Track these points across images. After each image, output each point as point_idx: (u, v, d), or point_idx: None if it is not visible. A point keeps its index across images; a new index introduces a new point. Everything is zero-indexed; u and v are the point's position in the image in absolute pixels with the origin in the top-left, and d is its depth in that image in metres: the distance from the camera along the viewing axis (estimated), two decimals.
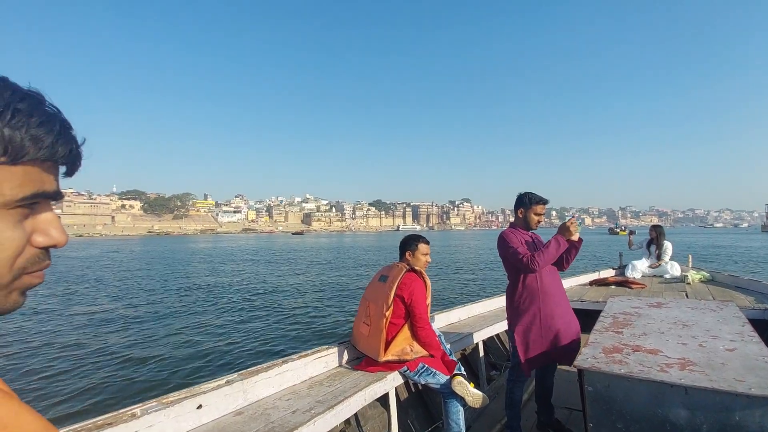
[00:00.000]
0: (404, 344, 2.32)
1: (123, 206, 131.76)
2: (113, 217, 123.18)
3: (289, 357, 2.25)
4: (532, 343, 2.32)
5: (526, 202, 2.41)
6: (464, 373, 2.33)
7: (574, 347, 2.29)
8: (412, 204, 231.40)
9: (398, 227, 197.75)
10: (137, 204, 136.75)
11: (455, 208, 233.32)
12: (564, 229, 2.31)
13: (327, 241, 56.35)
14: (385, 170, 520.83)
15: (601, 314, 2.31)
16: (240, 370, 2.07)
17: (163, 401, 1.65)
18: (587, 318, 2.50)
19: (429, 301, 2.41)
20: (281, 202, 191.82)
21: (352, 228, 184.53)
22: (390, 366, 2.31)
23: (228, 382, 1.87)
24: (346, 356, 2.54)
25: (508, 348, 3.82)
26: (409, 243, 2.48)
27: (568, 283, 5.36)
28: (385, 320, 2.27)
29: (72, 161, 0.36)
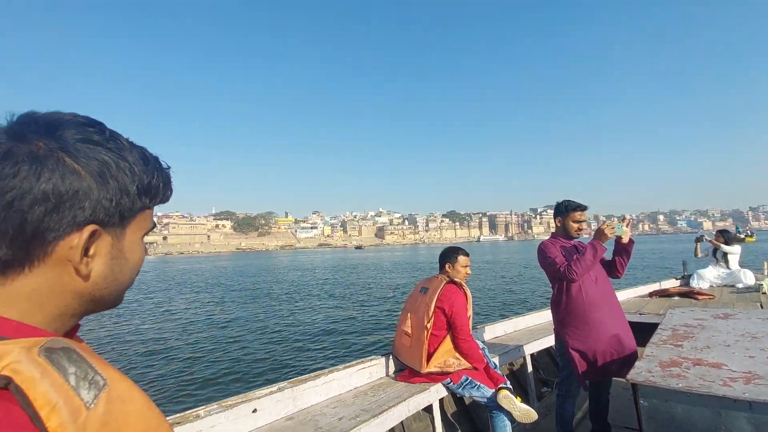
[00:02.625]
0: (446, 356, 2.38)
1: (216, 226, 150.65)
2: (209, 236, 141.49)
3: (335, 367, 2.44)
4: (580, 356, 2.22)
5: (562, 209, 2.37)
6: (510, 387, 2.30)
7: (629, 361, 2.14)
8: (488, 214, 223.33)
9: (478, 238, 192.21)
10: (228, 223, 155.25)
11: (537, 216, 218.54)
12: (599, 234, 2.20)
13: (399, 255, 57.05)
14: (459, 181, 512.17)
15: (659, 326, 2.17)
16: (290, 377, 2.33)
17: (223, 404, 1.85)
18: (645, 332, 2.31)
19: (470, 313, 2.44)
20: (355, 216, 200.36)
21: (426, 240, 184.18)
22: (433, 377, 2.38)
23: (279, 389, 2.09)
24: (388, 367, 2.66)
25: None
26: (449, 255, 2.55)
27: (625, 294, 5.06)
28: (426, 332, 2.36)
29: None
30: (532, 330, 3.89)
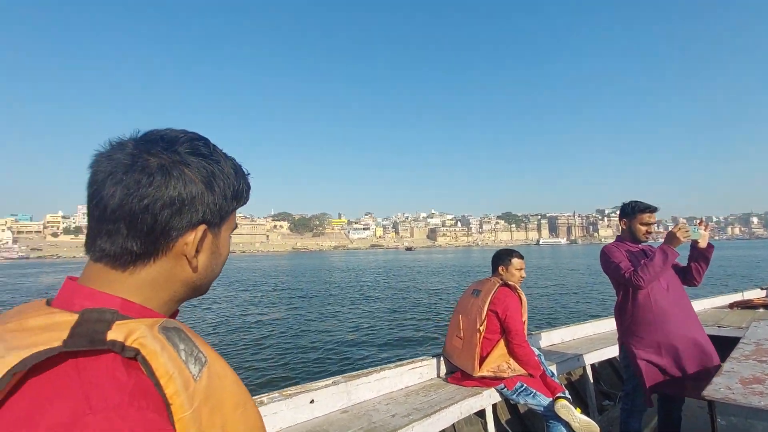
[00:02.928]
0: (500, 361, 2.35)
1: (275, 226, 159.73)
2: (267, 236, 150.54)
3: (386, 366, 2.51)
4: (648, 368, 2.06)
5: (629, 211, 2.22)
6: (569, 396, 2.21)
7: (705, 376, 1.95)
8: (548, 215, 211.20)
9: (537, 241, 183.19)
10: (285, 224, 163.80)
11: (604, 218, 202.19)
12: (671, 237, 2.03)
13: (451, 257, 56.11)
14: (514, 181, 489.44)
15: (741, 340, 2.00)
16: (343, 372, 2.45)
17: (283, 393, 1.99)
18: (724, 347, 2.10)
19: (525, 317, 2.38)
20: (407, 218, 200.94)
21: (480, 243, 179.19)
22: (485, 382, 2.37)
23: (335, 383, 2.21)
24: (440, 369, 2.68)
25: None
26: (502, 257, 2.52)
27: (702, 304, 4.64)
28: (478, 335, 2.35)
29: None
30: (593, 339, 3.69)
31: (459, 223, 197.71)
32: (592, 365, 3.24)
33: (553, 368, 2.62)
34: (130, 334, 0.40)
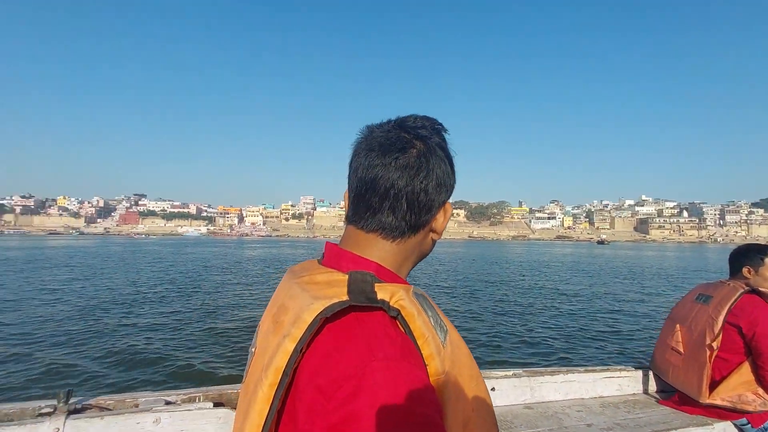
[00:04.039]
0: (742, 389, 1.84)
1: (453, 215, 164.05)
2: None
3: (574, 368, 2.33)
4: None
5: None
6: None
7: None
8: None
9: None
10: (462, 212, 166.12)
11: None
12: None
13: (672, 256, 44.84)
14: None
15: None
16: (524, 366, 2.38)
17: None
18: None
19: None
20: (605, 206, 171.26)
21: (720, 238, 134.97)
22: (718, 412, 1.89)
23: (516, 375, 2.18)
24: (647, 384, 2.31)
25: None
26: (751, 255, 1.91)
27: None
28: (709, 353, 1.90)
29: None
30: None
31: (685, 213, 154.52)
32: None
33: None
34: (393, 295, 0.45)
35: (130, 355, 6.21)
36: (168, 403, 1.52)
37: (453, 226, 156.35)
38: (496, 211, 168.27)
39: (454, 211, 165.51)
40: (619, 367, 2.37)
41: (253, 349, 0.55)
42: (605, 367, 2.36)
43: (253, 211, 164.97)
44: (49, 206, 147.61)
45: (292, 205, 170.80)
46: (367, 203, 0.52)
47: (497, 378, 2.12)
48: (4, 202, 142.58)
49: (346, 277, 0.47)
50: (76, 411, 1.37)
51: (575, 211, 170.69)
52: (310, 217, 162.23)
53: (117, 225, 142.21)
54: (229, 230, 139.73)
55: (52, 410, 1.34)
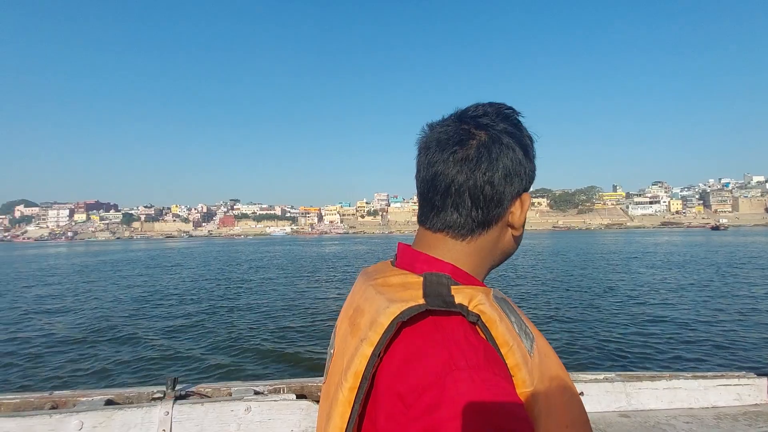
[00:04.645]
0: None
1: (533, 204, 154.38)
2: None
3: (679, 373, 2.09)
4: None
5: None
6: None
7: None
8: None
9: None
10: (544, 201, 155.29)
11: None
12: None
13: None
14: None
15: None
16: (617, 370, 2.18)
17: None
18: None
19: None
20: (724, 185, 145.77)
21: None
22: None
23: (607, 379, 2.01)
24: None
25: None
26: None
27: None
28: None
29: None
30: None
31: None
32: None
33: None
34: (471, 299, 0.42)
35: (227, 343, 7.09)
36: (256, 393, 1.71)
37: (533, 216, 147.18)
38: (584, 197, 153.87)
39: (535, 199, 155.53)
40: (737, 374, 2.07)
41: (331, 351, 0.55)
42: (719, 373, 2.08)
43: (331, 210, 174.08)
44: (165, 214, 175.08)
45: (366, 203, 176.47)
46: (430, 202, 0.51)
47: (585, 382, 1.98)
48: (133, 212, 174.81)
49: (421, 279, 0.45)
50: (181, 397, 1.62)
51: (685, 193, 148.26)
52: (384, 213, 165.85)
53: (217, 227, 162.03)
54: (310, 229, 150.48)
55: (162, 395, 1.60)
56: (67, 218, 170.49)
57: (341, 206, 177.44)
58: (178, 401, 1.55)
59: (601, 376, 2.03)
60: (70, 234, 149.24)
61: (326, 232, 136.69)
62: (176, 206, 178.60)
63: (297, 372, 5.61)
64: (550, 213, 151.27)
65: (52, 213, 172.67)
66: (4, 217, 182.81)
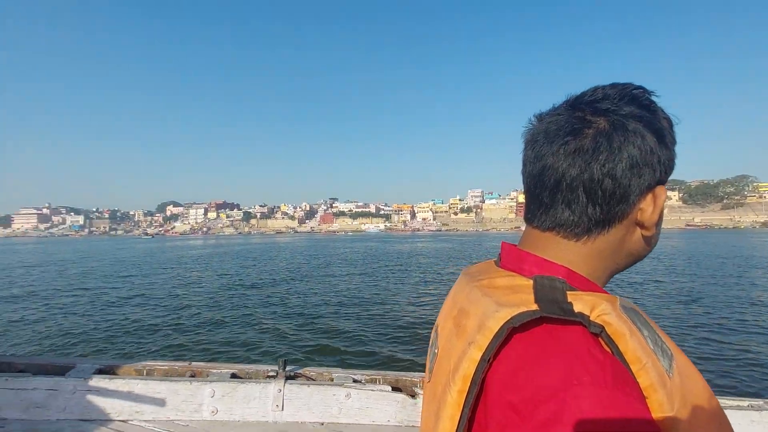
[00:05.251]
0: None
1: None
2: None
3: None
4: None
5: None
6: None
7: None
8: None
9: None
10: (675, 194, 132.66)
11: None
12: None
13: None
14: None
15: None
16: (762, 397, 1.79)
17: None
18: None
19: None
20: None
21: None
22: None
23: (753, 407, 1.72)
24: None
25: None
26: None
27: None
28: None
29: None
30: None
31: None
32: None
33: None
34: (594, 307, 0.37)
35: (327, 329, 7.67)
36: (355, 381, 1.83)
37: (663, 212, 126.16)
38: (732, 189, 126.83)
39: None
40: None
41: (435, 350, 0.52)
42: None
43: (424, 207, 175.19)
44: (276, 212, 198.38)
45: (459, 200, 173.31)
46: (538, 199, 0.46)
47: (725, 408, 1.68)
48: (251, 210, 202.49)
49: (530, 282, 0.42)
50: (291, 377, 1.82)
51: None
52: (479, 210, 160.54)
53: (318, 224, 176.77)
54: (402, 226, 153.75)
55: (275, 374, 1.82)
56: (203, 216, 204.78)
57: (434, 203, 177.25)
58: (289, 381, 1.76)
59: (746, 403, 1.76)
60: (204, 229, 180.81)
61: (418, 230, 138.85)
62: (284, 205, 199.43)
63: (391, 366, 5.72)
64: (683, 208, 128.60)
65: (192, 212, 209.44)
66: (159, 215, 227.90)
